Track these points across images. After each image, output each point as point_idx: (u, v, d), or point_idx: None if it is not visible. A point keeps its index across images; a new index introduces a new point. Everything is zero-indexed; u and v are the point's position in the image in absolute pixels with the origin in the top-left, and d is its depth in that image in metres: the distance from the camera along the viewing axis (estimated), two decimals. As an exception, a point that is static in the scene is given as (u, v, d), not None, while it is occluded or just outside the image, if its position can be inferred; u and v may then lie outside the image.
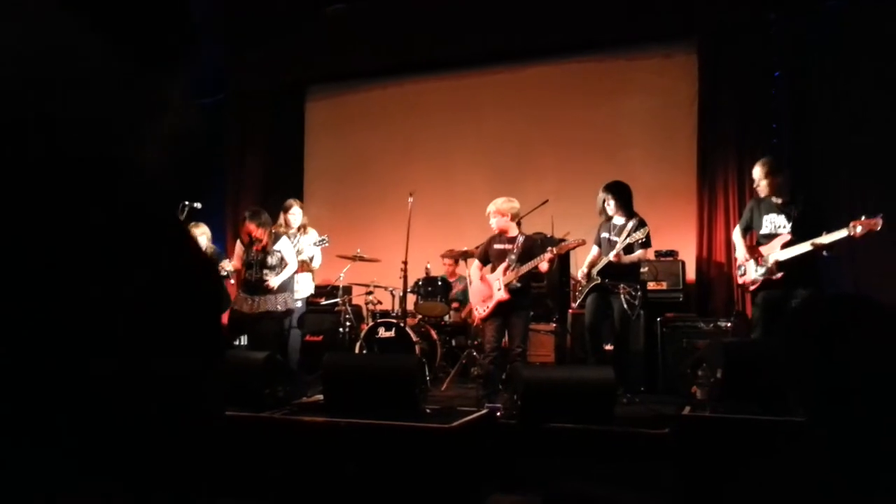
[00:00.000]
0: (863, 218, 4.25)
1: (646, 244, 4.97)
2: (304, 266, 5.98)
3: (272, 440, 3.77)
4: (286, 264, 5.59)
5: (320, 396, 4.23)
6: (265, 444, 3.76)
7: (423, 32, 7.85)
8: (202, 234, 6.49)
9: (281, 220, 6.10)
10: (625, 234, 4.94)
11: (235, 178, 9.07)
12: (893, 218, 5.92)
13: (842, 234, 4.30)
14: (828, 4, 6.49)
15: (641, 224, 4.99)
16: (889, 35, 6.13)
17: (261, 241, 5.56)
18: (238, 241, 5.80)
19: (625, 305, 4.93)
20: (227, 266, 6.28)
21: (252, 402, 4.02)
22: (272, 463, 3.72)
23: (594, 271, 5.08)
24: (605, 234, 5.17)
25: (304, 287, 5.97)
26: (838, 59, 6.38)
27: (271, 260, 5.56)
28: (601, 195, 5.18)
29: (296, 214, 6.14)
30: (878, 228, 4.22)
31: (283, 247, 5.65)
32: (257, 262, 5.55)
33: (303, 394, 4.71)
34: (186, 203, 6.50)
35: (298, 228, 6.12)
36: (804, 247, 4.43)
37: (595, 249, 5.27)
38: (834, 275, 5.82)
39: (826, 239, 4.36)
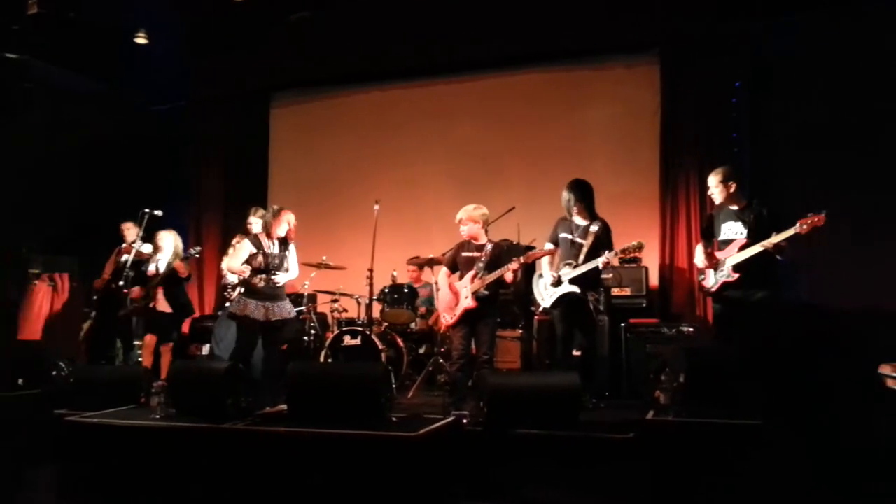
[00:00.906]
0: (809, 215, 4.37)
1: (611, 248, 4.94)
2: None
3: (235, 451, 3.70)
4: (288, 269, 5.36)
5: (284, 406, 4.17)
6: (228, 456, 3.69)
7: (389, 40, 7.84)
8: (170, 238, 6.37)
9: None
10: (590, 237, 4.86)
11: (197, 186, 8.94)
12: (851, 225, 6.12)
13: (790, 232, 4.41)
14: (784, 19, 6.65)
15: (606, 227, 4.96)
16: (843, 47, 6.31)
17: (288, 242, 5.31)
18: (246, 243, 5.30)
19: (593, 312, 4.93)
20: (180, 267, 6.17)
21: (214, 413, 3.95)
22: (235, 475, 3.65)
23: (565, 277, 4.88)
24: (565, 234, 5.01)
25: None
26: (795, 70, 6.54)
27: (285, 264, 5.31)
28: (567, 194, 5.02)
29: (253, 224, 6.02)
30: (822, 224, 4.34)
31: (291, 252, 5.44)
32: (275, 267, 5.24)
33: (266, 404, 4.64)
34: (146, 210, 6.39)
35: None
36: (755, 248, 4.53)
37: (548, 247, 5.11)
38: (791, 281, 5.96)
39: (775, 238, 4.45)
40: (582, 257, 4.86)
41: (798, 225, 4.38)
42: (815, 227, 4.36)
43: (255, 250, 5.21)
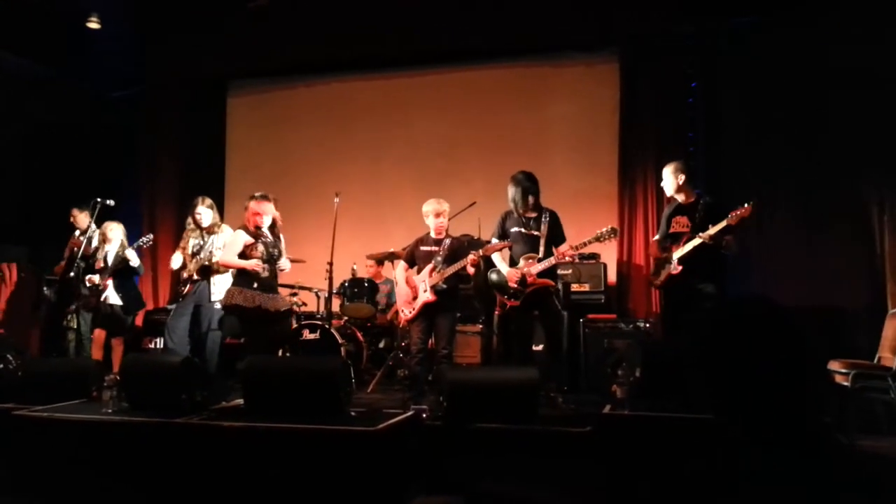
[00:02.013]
0: (738, 208, 4.58)
1: (564, 237, 4.96)
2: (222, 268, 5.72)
3: (190, 447, 3.63)
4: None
5: (240, 401, 4.11)
6: (182, 451, 3.63)
7: (350, 32, 7.76)
8: (118, 229, 6.24)
9: (189, 220, 5.83)
10: (545, 227, 4.86)
11: (151, 174, 8.73)
12: (802, 221, 6.28)
13: (721, 224, 4.61)
14: (739, 20, 6.80)
15: (556, 216, 4.96)
16: (794, 50, 6.47)
17: (277, 229, 5.18)
18: (240, 234, 5.07)
19: (557, 303, 4.95)
20: (132, 255, 6.04)
21: (168, 408, 3.87)
22: (190, 470, 3.59)
23: (535, 271, 4.77)
24: (516, 229, 4.94)
25: (222, 289, 5.76)
26: (749, 71, 6.69)
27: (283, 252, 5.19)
28: (517, 187, 4.93)
29: (202, 214, 5.76)
30: (748, 215, 4.54)
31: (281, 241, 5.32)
32: (277, 258, 5.09)
33: (222, 398, 4.57)
34: (98, 200, 6.23)
35: (209, 228, 5.78)
36: (695, 241, 4.70)
37: (495, 242, 4.97)
38: (742, 275, 6.11)
39: (711, 230, 4.63)
40: (542, 249, 4.86)
41: (729, 216, 4.56)
42: (743, 217, 4.54)
43: (251, 240, 5.01)
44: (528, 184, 4.93)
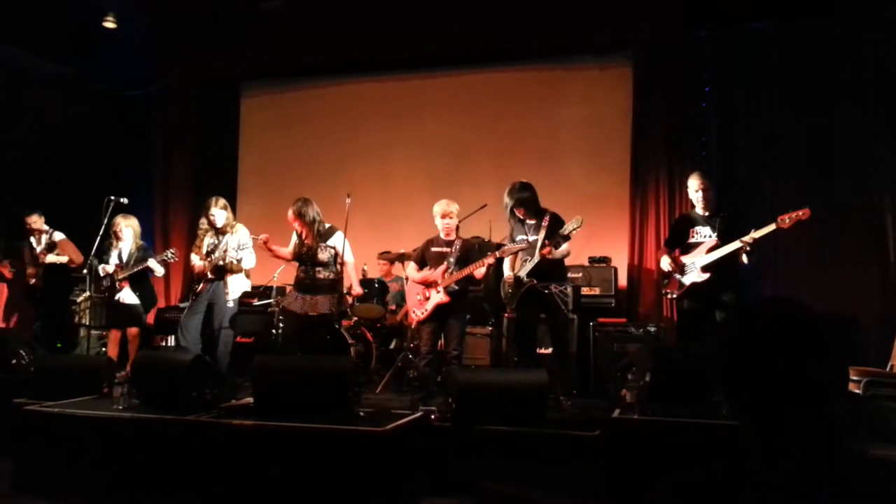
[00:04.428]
0: (790, 211, 4.42)
1: (567, 237, 4.87)
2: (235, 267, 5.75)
3: (199, 444, 3.65)
4: (342, 261, 5.35)
5: (250, 399, 4.12)
6: (191, 448, 3.65)
7: (362, 33, 7.79)
8: (129, 227, 6.28)
9: (204, 220, 5.86)
10: (542, 231, 4.86)
11: (164, 174, 8.78)
12: (813, 228, 6.23)
13: (770, 228, 4.46)
14: (753, 25, 6.77)
15: (557, 217, 4.94)
16: (806, 56, 6.44)
17: (304, 234, 5.32)
18: (294, 234, 5.50)
19: (561, 305, 4.93)
20: (156, 266, 6.08)
21: (178, 405, 3.89)
22: (199, 467, 3.61)
23: (523, 273, 4.84)
24: (521, 236, 4.98)
25: (237, 287, 5.80)
26: (762, 76, 6.65)
27: (322, 255, 5.30)
28: (510, 199, 4.96)
29: (215, 215, 5.79)
30: (807, 218, 4.38)
31: (338, 242, 5.38)
32: (308, 258, 5.28)
33: (232, 396, 4.58)
34: (112, 198, 6.27)
35: (224, 228, 5.81)
36: (734, 245, 4.58)
37: (510, 245, 5.00)
38: (753, 282, 6.07)
39: (755, 234, 4.51)
40: (536, 252, 4.84)
41: (779, 221, 4.42)
42: (800, 220, 4.39)
43: (297, 240, 5.44)
44: (517, 194, 4.93)
